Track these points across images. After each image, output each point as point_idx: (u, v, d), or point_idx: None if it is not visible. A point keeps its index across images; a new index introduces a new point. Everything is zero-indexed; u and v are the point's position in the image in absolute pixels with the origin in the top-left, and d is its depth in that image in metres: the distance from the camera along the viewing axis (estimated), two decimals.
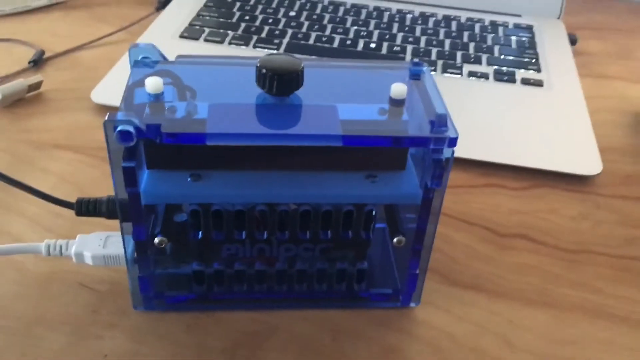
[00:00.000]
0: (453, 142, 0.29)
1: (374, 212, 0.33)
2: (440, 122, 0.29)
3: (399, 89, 0.31)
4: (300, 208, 0.32)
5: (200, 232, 0.33)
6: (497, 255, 0.41)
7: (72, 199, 0.43)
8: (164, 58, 0.33)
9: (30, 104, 0.53)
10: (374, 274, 0.36)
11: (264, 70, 0.29)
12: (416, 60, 0.34)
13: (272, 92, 0.29)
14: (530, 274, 0.39)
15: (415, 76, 0.33)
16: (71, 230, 0.40)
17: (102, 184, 0.45)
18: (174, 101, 0.30)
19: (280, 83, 0.29)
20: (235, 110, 0.29)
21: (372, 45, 0.61)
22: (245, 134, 0.28)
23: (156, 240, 0.32)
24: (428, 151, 0.30)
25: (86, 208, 0.35)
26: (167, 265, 0.35)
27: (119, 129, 0.27)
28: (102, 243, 0.35)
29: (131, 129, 0.27)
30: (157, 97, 0.29)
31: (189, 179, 0.31)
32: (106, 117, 0.27)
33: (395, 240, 0.33)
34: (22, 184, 0.38)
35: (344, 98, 0.31)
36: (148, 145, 0.30)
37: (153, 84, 0.29)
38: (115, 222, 0.34)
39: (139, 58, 0.32)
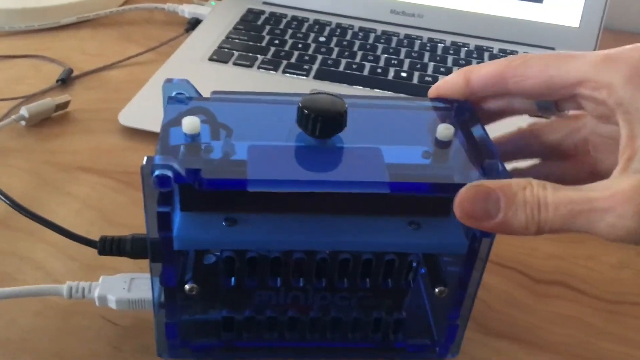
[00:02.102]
0: None
1: (415, 262, 0.31)
2: (492, 168, 0.28)
3: (445, 130, 0.30)
4: (340, 256, 0.31)
5: (232, 279, 0.32)
6: (535, 303, 0.39)
7: (96, 226, 0.42)
8: (198, 94, 0.32)
9: (57, 123, 0.52)
10: (410, 323, 0.34)
11: (306, 112, 0.28)
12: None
13: (315, 134, 0.28)
14: (569, 325, 0.38)
15: (462, 115, 0.32)
16: (96, 259, 0.39)
17: (126, 210, 0.44)
18: (209, 140, 0.29)
19: (323, 125, 0.28)
20: (276, 153, 0.28)
21: (403, 74, 0.60)
22: (289, 181, 0.27)
23: (187, 287, 0.30)
24: None
25: (109, 247, 0.34)
26: (195, 311, 0.34)
27: (156, 173, 0.26)
28: (127, 286, 0.34)
29: (170, 174, 0.26)
30: (194, 138, 0.28)
31: (223, 223, 0.29)
32: (144, 161, 0.26)
33: (437, 290, 0.31)
34: (46, 220, 0.37)
35: (387, 139, 0.30)
36: (183, 188, 0.29)
37: (190, 124, 0.28)
38: (140, 259, 0.33)
39: (173, 94, 0.31)
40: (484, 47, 0.65)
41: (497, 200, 0.25)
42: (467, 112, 0.32)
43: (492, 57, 0.64)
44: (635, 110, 0.25)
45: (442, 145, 0.30)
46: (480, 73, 0.31)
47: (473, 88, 0.31)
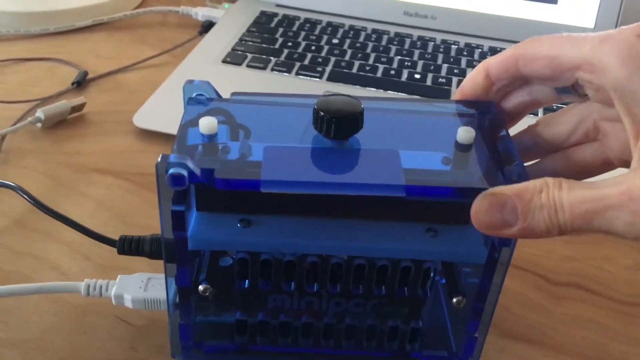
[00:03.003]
0: None
1: (432, 270, 0.31)
2: (512, 172, 0.27)
3: (466, 133, 0.29)
4: (355, 261, 0.30)
5: (246, 281, 0.31)
6: (551, 305, 0.39)
7: (110, 226, 0.42)
8: (219, 95, 0.32)
9: (72, 125, 0.52)
10: (427, 333, 0.34)
11: (321, 113, 0.28)
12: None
13: (330, 135, 0.28)
14: (585, 327, 0.37)
15: (484, 118, 0.31)
16: (110, 260, 0.40)
17: (141, 211, 0.44)
18: (227, 141, 0.29)
19: (338, 127, 0.28)
20: (292, 154, 0.28)
21: (417, 76, 0.60)
22: (302, 182, 0.26)
23: (200, 287, 0.30)
24: None
25: (129, 247, 0.34)
26: (209, 312, 0.34)
27: (171, 172, 0.26)
28: (144, 286, 0.34)
29: (184, 172, 0.26)
30: (211, 138, 0.28)
31: (238, 225, 0.29)
32: (159, 159, 0.26)
33: (454, 300, 0.31)
34: (67, 218, 0.38)
35: (406, 142, 0.29)
36: (199, 187, 0.29)
37: (207, 124, 0.28)
38: (157, 260, 0.33)
39: (193, 95, 0.31)
40: (498, 49, 0.65)
41: (513, 208, 0.24)
42: (490, 114, 0.31)
43: None
44: (633, 93, 0.24)
45: (463, 148, 0.29)
46: (496, 60, 0.30)
47: (492, 77, 0.30)
